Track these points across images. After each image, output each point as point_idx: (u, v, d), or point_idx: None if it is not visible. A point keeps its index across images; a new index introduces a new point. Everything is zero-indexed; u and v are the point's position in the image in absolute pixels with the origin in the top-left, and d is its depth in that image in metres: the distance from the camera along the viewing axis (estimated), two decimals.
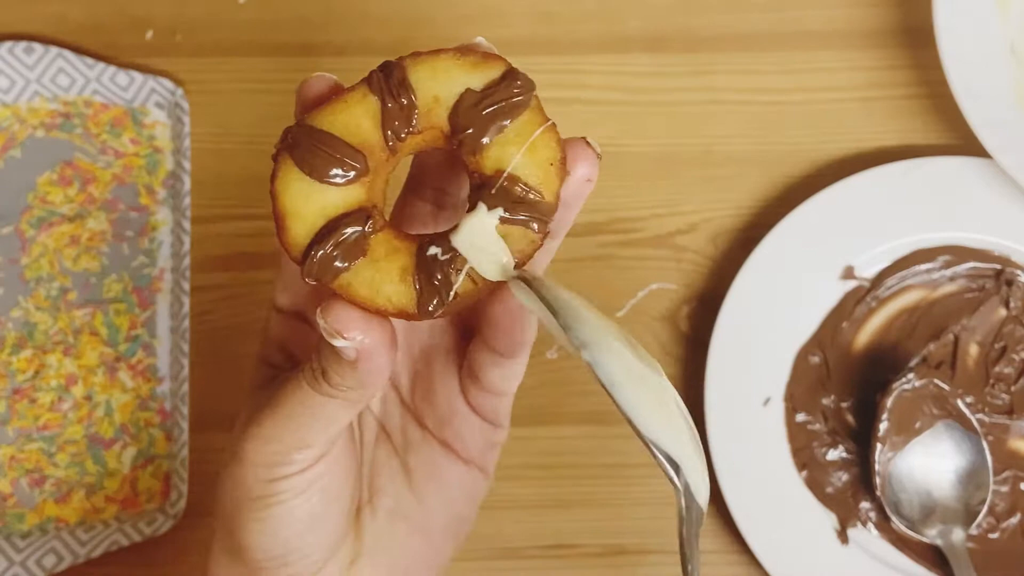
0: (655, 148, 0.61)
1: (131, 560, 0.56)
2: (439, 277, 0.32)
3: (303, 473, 0.35)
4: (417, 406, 0.39)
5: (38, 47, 0.60)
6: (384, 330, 0.33)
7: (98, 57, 0.61)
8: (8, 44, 0.60)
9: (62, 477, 0.56)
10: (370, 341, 0.32)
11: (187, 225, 0.59)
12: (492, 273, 0.32)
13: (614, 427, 0.58)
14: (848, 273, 0.58)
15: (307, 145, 0.33)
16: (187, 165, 0.60)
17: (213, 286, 0.60)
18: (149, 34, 0.62)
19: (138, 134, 0.60)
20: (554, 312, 0.31)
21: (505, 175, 0.32)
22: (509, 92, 0.33)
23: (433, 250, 0.32)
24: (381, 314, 0.32)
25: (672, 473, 0.31)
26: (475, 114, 0.32)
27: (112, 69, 0.61)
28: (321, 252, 0.32)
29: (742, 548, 0.56)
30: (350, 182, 0.32)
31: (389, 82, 0.33)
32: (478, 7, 0.63)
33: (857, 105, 0.62)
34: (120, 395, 0.57)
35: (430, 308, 0.32)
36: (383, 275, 0.32)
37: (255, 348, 0.57)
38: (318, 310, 0.32)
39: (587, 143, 0.34)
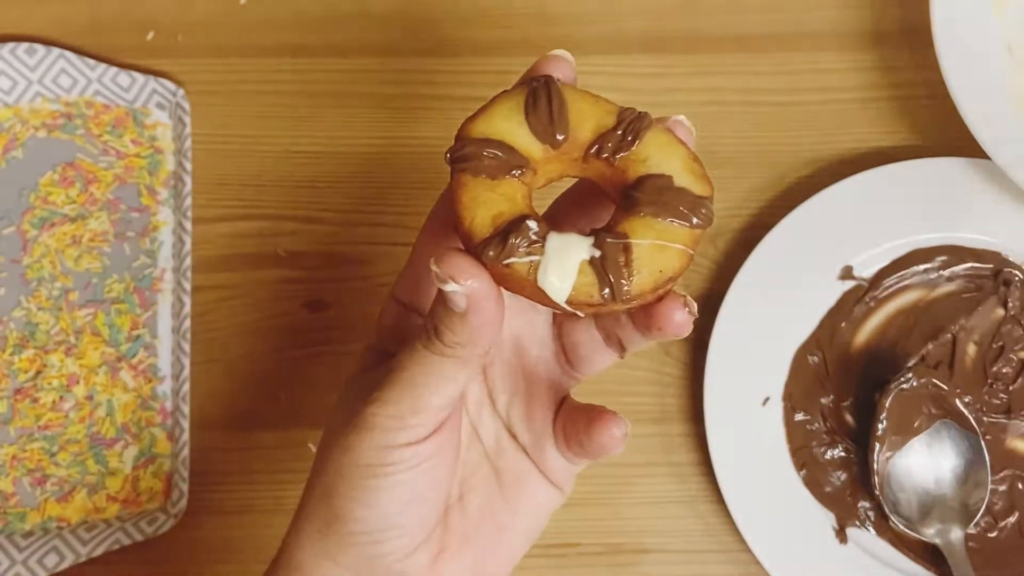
0: None
1: (133, 559, 0.56)
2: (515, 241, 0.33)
3: (416, 446, 0.36)
4: (512, 422, 0.41)
5: (40, 48, 0.60)
6: (492, 281, 0.34)
7: (99, 58, 0.61)
8: (10, 45, 0.60)
9: (64, 476, 0.57)
10: (479, 286, 0.33)
11: (188, 225, 0.59)
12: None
13: None
14: (847, 273, 0.58)
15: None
16: (188, 165, 0.60)
17: (214, 286, 0.60)
18: (150, 35, 0.62)
19: (139, 135, 0.61)
20: None
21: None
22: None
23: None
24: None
25: None
26: (664, 198, 0.35)
27: (113, 70, 0.61)
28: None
29: (742, 548, 0.56)
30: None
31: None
32: (479, 8, 0.63)
33: (856, 105, 0.62)
34: (121, 395, 0.58)
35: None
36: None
37: (259, 345, 0.57)
38: (432, 259, 0.34)
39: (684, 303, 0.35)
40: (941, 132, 0.61)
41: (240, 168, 0.61)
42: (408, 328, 0.40)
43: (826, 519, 0.56)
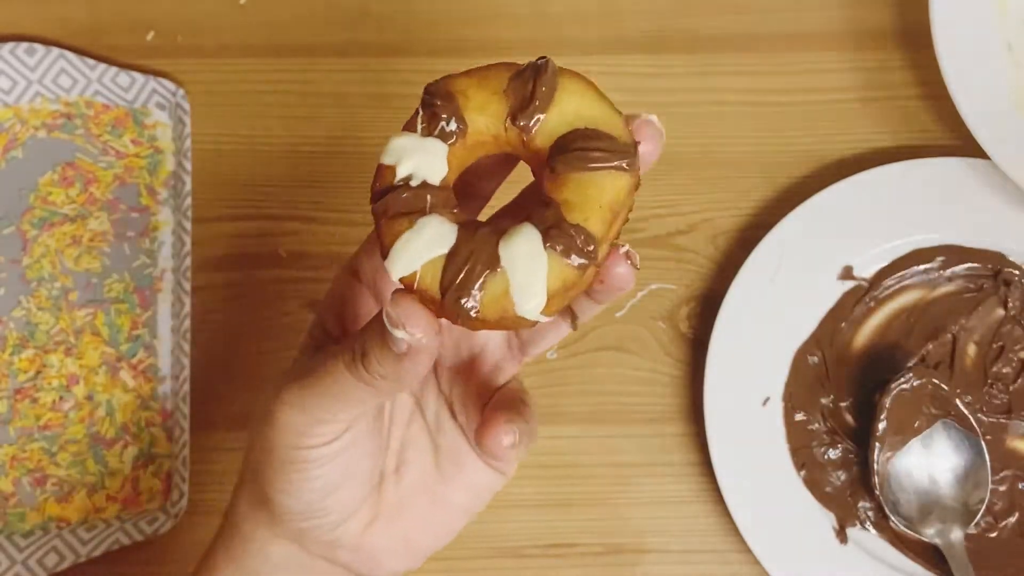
0: None
1: (132, 559, 0.56)
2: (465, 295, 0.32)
3: (326, 447, 0.36)
4: (453, 400, 0.41)
5: (40, 48, 0.60)
6: (439, 336, 0.33)
7: (99, 58, 0.61)
8: (10, 45, 0.60)
9: (63, 476, 0.57)
10: (426, 341, 0.33)
11: (188, 225, 0.59)
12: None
13: (614, 427, 0.58)
14: (847, 273, 0.58)
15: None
16: (188, 165, 0.60)
17: (214, 286, 0.60)
18: (150, 35, 0.62)
19: (139, 135, 0.61)
20: None
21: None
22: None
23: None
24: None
25: None
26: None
27: (113, 70, 0.61)
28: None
29: (742, 548, 0.56)
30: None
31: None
32: (479, 8, 0.63)
33: (856, 105, 0.62)
34: (121, 395, 0.58)
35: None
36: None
37: (259, 345, 0.57)
38: (389, 298, 0.33)
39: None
40: (941, 132, 0.61)
41: (240, 168, 0.61)
42: (354, 304, 0.39)
43: (826, 519, 0.56)
